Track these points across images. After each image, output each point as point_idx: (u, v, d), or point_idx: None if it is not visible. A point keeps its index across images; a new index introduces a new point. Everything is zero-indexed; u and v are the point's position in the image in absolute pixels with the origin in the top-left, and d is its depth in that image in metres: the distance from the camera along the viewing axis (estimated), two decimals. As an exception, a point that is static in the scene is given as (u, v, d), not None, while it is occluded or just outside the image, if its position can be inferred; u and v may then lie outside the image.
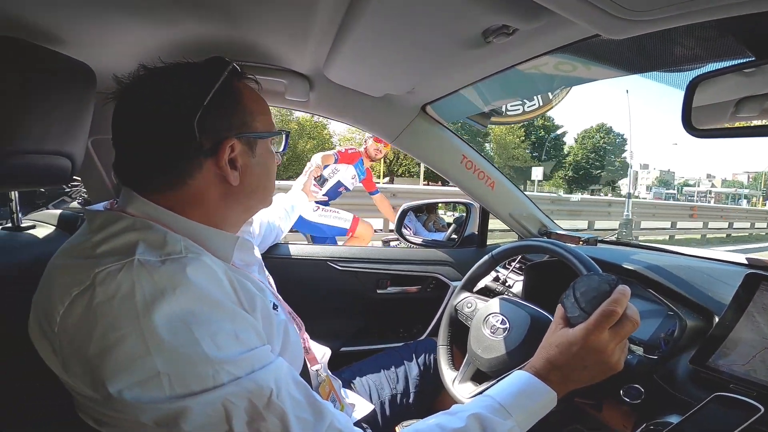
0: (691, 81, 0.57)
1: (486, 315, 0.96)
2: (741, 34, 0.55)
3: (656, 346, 0.83)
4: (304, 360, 0.74)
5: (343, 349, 1.32)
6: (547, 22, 0.59)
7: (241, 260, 0.66)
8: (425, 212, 1.90)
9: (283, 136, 0.71)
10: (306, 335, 0.81)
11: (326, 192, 3.12)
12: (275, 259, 1.29)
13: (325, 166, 3.01)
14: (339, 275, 1.35)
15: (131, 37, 0.72)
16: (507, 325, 0.91)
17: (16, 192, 0.81)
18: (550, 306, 0.94)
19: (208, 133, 0.57)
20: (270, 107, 0.69)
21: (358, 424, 0.87)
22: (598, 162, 40.27)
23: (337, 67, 0.86)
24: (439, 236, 1.76)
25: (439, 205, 1.82)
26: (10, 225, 0.79)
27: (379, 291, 1.39)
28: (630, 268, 1.00)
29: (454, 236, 1.62)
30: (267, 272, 0.81)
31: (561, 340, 0.62)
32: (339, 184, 3.19)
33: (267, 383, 0.48)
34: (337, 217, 3.02)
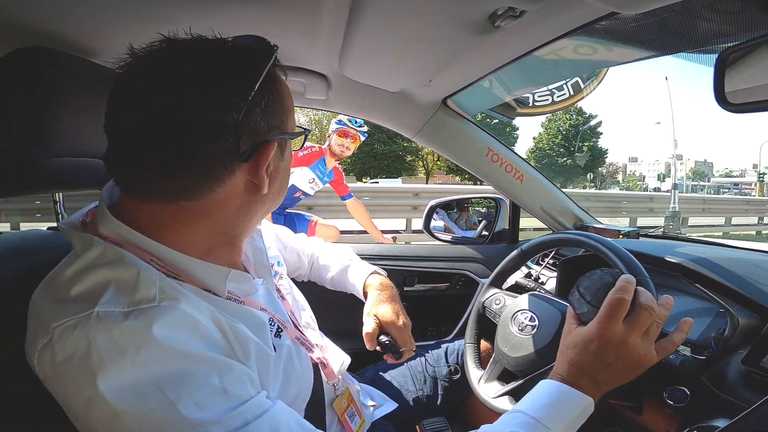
0: (720, 55, 0.52)
1: (514, 312, 0.92)
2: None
3: (705, 346, 0.76)
4: (320, 378, 0.71)
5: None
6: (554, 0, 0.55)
7: (238, 290, 0.56)
8: (456, 209, 1.86)
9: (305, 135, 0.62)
10: (323, 349, 0.77)
11: None
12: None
13: None
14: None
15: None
16: (536, 323, 0.87)
17: (61, 194, 0.87)
18: None
19: (250, 133, 0.48)
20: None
21: (379, 421, 0.86)
22: (563, 149, 34.65)
23: (351, 64, 0.87)
24: (471, 234, 1.71)
25: (471, 201, 1.78)
26: (55, 225, 0.85)
27: (406, 288, 1.38)
28: (674, 261, 0.92)
29: (485, 233, 1.58)
30: (290, 286, 0.75)
31: (576, 339, 0.58)
32: (293, 188, 2.72)
33: None
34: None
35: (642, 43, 0.68)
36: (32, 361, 0.43)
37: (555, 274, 1.17)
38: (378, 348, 0.81)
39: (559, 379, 0.57)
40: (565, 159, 34.24)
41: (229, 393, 0.43)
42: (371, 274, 0.93)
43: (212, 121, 0.45)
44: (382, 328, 0.82)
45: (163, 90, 0.45)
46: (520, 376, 0.86)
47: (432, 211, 1.57)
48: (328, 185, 2.88)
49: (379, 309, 0.84)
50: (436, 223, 1.67)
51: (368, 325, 0.80)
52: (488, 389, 0.89)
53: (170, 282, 0.46)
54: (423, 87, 1.00)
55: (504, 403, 0.83)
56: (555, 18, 0.62)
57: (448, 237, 1.62)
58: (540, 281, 1.22)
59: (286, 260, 0.93)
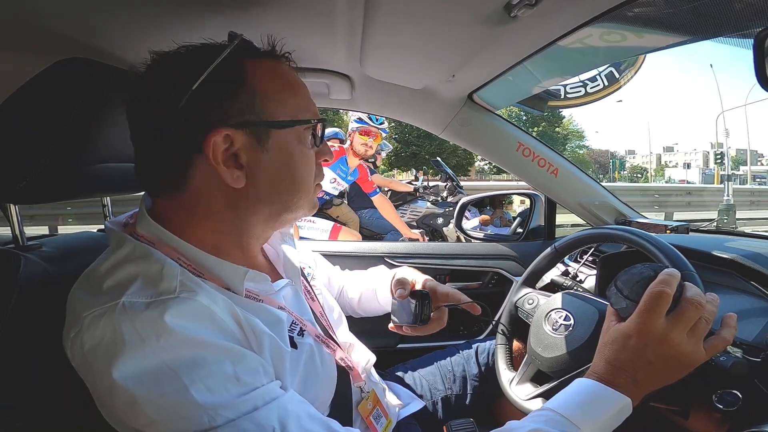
0: (756, 36, 0.48)
1: (548, 311, 0.88)
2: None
3: (762, 348, 0.69)
4: (347, 379, 0.71)
5: (400, 345, 1.32)
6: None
7: (257, 289, 0.57)
8: (490, 207, 1.82)
9: (319, 126, 0.58)
10: (350, 349, 0.78)
11: None
12: (330, 256, 1.33)
13: None
14: None
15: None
16: (571, 322, 0.83)
17: (109, 198, 0.95)
18: None
19: (198, 121, 0.49)
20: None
21: (405, 420, 0.86)
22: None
23: (372, 63, 0.87)
24: (505, 231, 1.67)
25: (505, 197, 1.73)
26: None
27: (437, 287, 1.37)
28: (726, 257, 0.85)
29: (519, 230, 1.53)
30: (310, 287, 0.74)
31: (615, 336, 0.55)
32: None
33: (269, 422, 0.45)
34: (313, 228, 2.65)
35: (673, 27, 0.63)
36: (67, 350, 0.47)
37: (594, 271, 1.12)
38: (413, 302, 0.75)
39: (596, 377, 0.54)
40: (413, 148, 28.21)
41: (241, 380, 0.45)
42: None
43: (160, 113, 0.50)
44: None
45: (138, 96, 0.53)
46: (554, 378, 0.83)
47: (464, 208, 1.55)
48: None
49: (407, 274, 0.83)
50: (468, 220, 1.64)
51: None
52: (520, 391, 0.86)
53: (192, 277, 0.49)
54: (446, 83, 0.98)
55: (536, 406, 0.80)
56: (575, 5, 0.59)
57: (480, 234, 1.59)
58: (578, 279, 1.17)
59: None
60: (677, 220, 1.22)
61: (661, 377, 0.53)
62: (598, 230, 0.93)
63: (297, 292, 0.67)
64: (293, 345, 0.57)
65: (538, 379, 0.87)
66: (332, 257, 1.32)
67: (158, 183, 0.54)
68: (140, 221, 0.54)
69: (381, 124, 2.64)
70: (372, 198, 2.90)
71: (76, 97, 0.60)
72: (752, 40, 0.48)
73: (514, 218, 1.69)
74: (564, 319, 0.84)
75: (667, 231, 1.18)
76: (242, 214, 0.55)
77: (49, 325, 0.53)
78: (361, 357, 0.83)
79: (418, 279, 0.84)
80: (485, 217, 2.31)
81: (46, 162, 0.58)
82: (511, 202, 1.68)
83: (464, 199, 1.55)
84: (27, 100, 0.60)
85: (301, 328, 0.61)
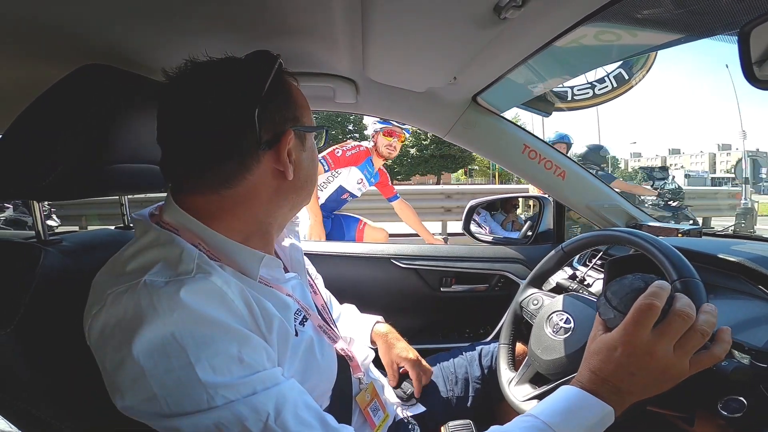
0: (741, 30, 0.47)
1: (550, 313, 0.88)
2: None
3: None
4: (347, 370, 0.74)
5: (404, 346, 1.32)
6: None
7: (270, 276, 0.63)
8: (501, 210, 1.81)
9: (324, 132, 0.71)
10: (350, 343, 0.81)
11: (324, 202, 2.57)
12: (337, 256, 1.35)
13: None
14: (401, 273, 1.36)
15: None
16: (571, 325, 0.83)
17: (126, 197, 1.00)
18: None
19: (268, 124, 0.57)
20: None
21: (406, 420, 0.87)
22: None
23: (374, 66, 0.89)
24: (514, 234, 1.66)
25: (514, 201, 1.72)
26: (122, 225, 0.97)
27: (443, 289, 1.37)
28: (732, 260, 0.83)
29: (529, 233, 1.52)
30: (313, 282, 0.80)
31: (600, 346, 0.55)
32: (341, 190, 2.62)
33: (264, 407, 0.47)
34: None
35: (666, 25, 0.63)
36: (86, 328, 0.50)
37: (602, 275, 1.10)
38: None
39: (579, 385, 0.55)
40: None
41: (244, 362, 0.48)
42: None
43: (237, 119, 0.55)
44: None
45: (197, 102, 0.56)
46: (552, 380, 0.82)
47: (472, 211, 1.55)
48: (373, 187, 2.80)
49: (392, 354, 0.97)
50: (477, 223, 1.64)
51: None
52: (518, 392, 0.86)
53: (208, 260, 0.53)
54: (449, 85, 0.99)
55: (530, 407, 0.80)
56: (564, 5, 0.60)
57: (489, 237, 1.58)
58: (586, 283, 1.15)
59: None
60: (690, 224, 1.19)
61: (645, 388, 0.53)
62: (605, 232, 0.92)
63: (302, 285, 0.71)
64: (295, 333, 0.60)
65: (536, 380, 0.86)
66: (340, 258, 1.36)
67: (208, 182, 0.57)
68: (167, 210, 0.59)
69: (404, 124, 2.52)
70: (392, 203, 2.84)
71: (97, 101, 0.64)
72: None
73: (524, 221, 1.68)
74: (564, 322, 0.84)
75: (679, 234, 1.15)
76: (281, 202, 0.63)
77: (64, 315, 0.56)
78: (360, 352, 0.85)
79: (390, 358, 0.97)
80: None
81: (68, 161, 0.61)
82: (522, 204, 1.67)
83: (473, 202, 1.55)
84: (51, 103, 0.63)
85: (304, 316, 0.64)
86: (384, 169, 2.79)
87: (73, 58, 0.71)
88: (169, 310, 0.46)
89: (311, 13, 0.67)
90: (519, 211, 1.80)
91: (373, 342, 0.99)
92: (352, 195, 2.71)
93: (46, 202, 0.78)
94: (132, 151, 0.71)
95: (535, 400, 0.81)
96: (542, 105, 1.24)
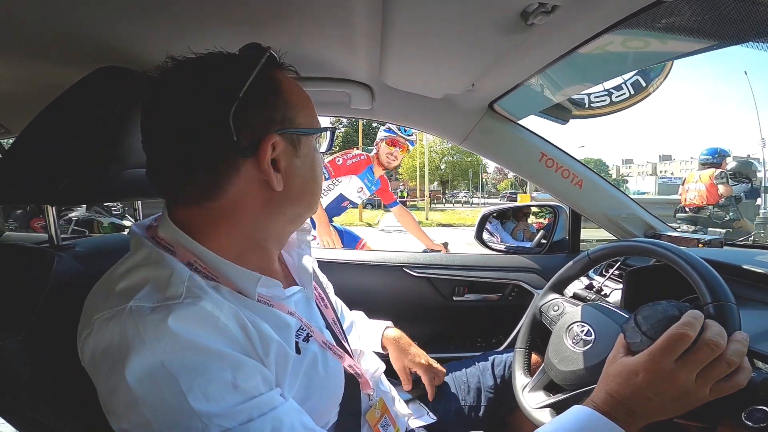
0: None
1: (570, 323, 0.86)
2: None
3: None
4: (356, 387, 0.71)
5: (417, 356, 1.30)
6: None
7: (270, 293, 0.58)
8: (512, 219, 1.79)
9: (327, 134, 0.63)
10: (360, 356, 0.79)
11: (324, 209, 2.52)
12: (349, 264, 1.34)
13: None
14: (414, 281, 1.34)
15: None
16: (592, 337, 0.81)
17: (140, 202, 1.00)
18: None
19: (246, 128, 0.50)
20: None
21: (417, 430, 0.85)
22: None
23: (391, 72, 0.89)
24: (528, 244, 1.64)
25: (527, 209, 1.70)
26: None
27: (455, 298, 1.35)
28: (759, 271, 0.80)
29: (543, 242, 1.50)
30: (324, 295, 0.76)
31: (620, 369, 0.54)
32: (341, 198, 2.61)
33: None
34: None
35: (697, 33, 0.61)
36: (79, 350, 0.48)
37: (620, 285, 1.08)
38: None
39: (593, 406, 0.53)
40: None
41: (239, 388, 0.45)
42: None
43: (208, 121, 0.50)
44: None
45: (168, 103, 0.51)
46: (567, 390, 0.80)
47: (484, 220, 1.53)
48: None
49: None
50: (489, 232, 1.62)
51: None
52: (531, 399, 0.84)
53: (199, 282, 0.49)
54: (467, 92, 0.98)
55: (544, 416, 0.78)
56: (593, 12, 0.59)
57: (501, 246, 1.56)
58: (603, 293, 1.13)
59: None
60: (711, 234, 1.16)
61: (659, 412, 0.52)
62: (636, 243, 0.89)
63: (308, 299, 0.68)
64: (297, 351, 0.57)
65: (551, 388, 0.85)
66: (353, 266, 1.34)
67: (188, 193, 0.53)
68: (162, 225, 0.55)
69: (410, 135, 2.59)
70: (392, 209, 2.85)
71: (112, 105, 0.63)
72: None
73: (538, 230, 1.66)
74: (585, 334, 0.82)
75: (700, 245, 1.12)
76: (273, 215, 0.57)
77: (75, 321, 0.55)
78: (371, 365, 0.83)
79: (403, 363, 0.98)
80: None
81: (83, 166, 0.61)
82: (536, 213, 1.65)
83: (485, 211, 1.53)
84: (66, 107, 0.63)
85: (307, 333, 0.61)
86: (385, 177, 2.79)
87: (87, 61, 0.72)
88: (156, 339, 0.43)
89: (332, 18, 0.67)
90: (530, 219, 1.78)
91: (383, 347, 0.97)
92: (353, 203, 2.72)
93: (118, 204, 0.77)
94: (140, 155, 0.71)
95: (548, 409, 0.79)
96: (559, 112, 1.22)
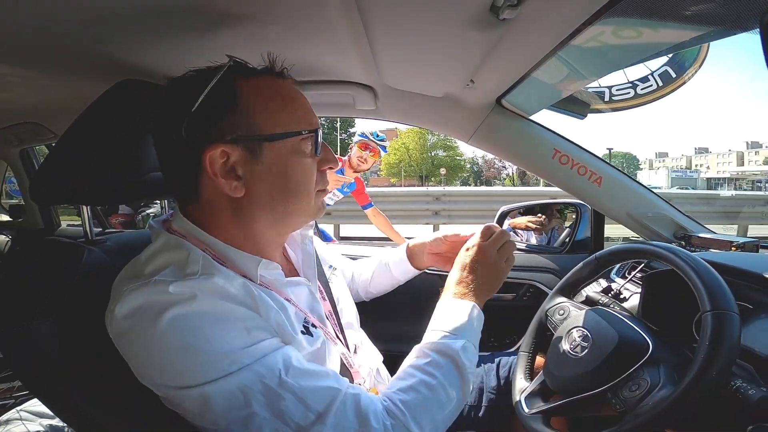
0: (762, 20, 0.41)
1: (570, 327, 0.84)
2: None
3: None
4: (348, 376, 0.73)
5: (425, 352, 1.31)
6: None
7: (271, 277, 0.64)
8: (539, 215, 1.72)
9: (311, 137, 0.61)
10: (358, 348, 0.82)
11: None
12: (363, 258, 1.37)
13: None
14: (430, 279, 1.34)
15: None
16: (588, 343, 0.78)
17: (165, 201, 1.10)
18: (666, 325, 0.78)
19: (193, 140, 0.56)
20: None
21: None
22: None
23: (389, 72, 0.90)
24: (544, 242, 1.58)
25: (547, 207, 1.63)
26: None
27: (468, 297, 1.33)
28: None
29: (567, 241, 1.43)
30: (322, 288, 0.80)
31: (461, 262, 0.80)
32: None
33: (276, 364, 0.53)
34: None
35: (694, 19, 0.56)
36: (107, 323, 0.55)
37: (640, 290, 1.02)
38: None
39: (448, 296, 0.77)
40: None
41: (252, 333, 0.54)
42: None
43: (170, 134, 0.58)
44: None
45: (156, 118, 0.61)
46: (562, 396, 0.78)
47: (503, 217, 1.49)
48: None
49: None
50: (509, 229, 1.58)
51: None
52: (527, 404, 0.83)
53: (212, 262, 0.57)
54: (469, 89, 0.97)
55: (536, 422, 0.77)
56: (568, 3, 0.56)
57: (522, 245, 1.51)
58: (621, 297, 1.07)
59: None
60: (750, 236, 1.05)
61: (490, 285, 0.78)
62: (641, 246, 0.86)
63: (312, 292, 0.72)
64: (308, 332, 0.64)
65: (549, 394, 0.83)
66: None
67: (178, 193, 0.63)
68: (175, 219, 0.64)
69: (382, 140, 2.67)
70: (366, 211, 2.95)
71: (132, 116, 0.71)
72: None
73: (565, 229, 1.59)
74: (583, 339, 0.80)
75: (733, 248, 1.02)
76: (247, 220, 0.62)
77: (101, 307, 0.61)
78: (369, 357, 0.86)
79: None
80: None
81: (108, 170, 0.69)
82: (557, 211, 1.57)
83: (504, 208, 1.49)
84: (92, 119, 0.71)
85: (312, 323, 0.66)
86: (360, 179, 2.89)
87: (107, 76, 0.79)
88: (182, 300, 0.51)
89: (316, 23, 0.69)
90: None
91: (411, 258, 1.00)
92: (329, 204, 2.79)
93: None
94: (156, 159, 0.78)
95: (540, 416, 0.78)
96: (576, 107, 1.15)
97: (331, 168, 0.68)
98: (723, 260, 0.84)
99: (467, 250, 0.79)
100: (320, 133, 0.64)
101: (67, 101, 1.05)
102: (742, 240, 1.03)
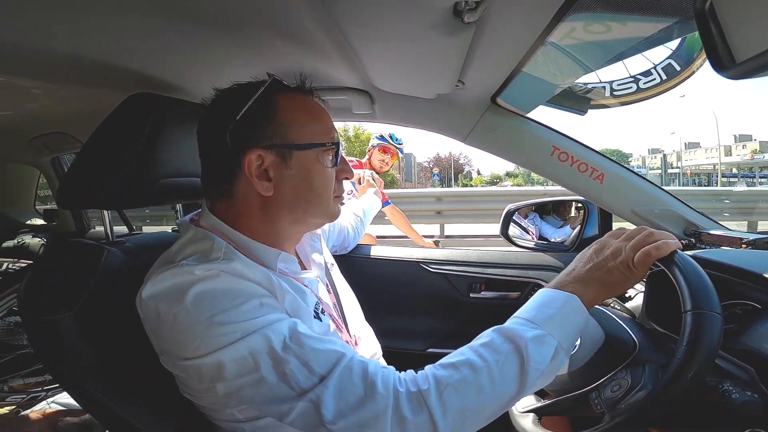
0: (695, 6, 0.39)
1: None
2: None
3: None
4: None
5: (429, 350, 1.33)
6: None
7: (288, 269, 0.71)
8: (554, 214, 1.70)
9: (333, 149, 0.70)
10: (359, 340, 0.85)
11: None
12: (367, 258, 1.40)
13: None
14: (430, 277, 1.36)
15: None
16: (578, 342, 0.78)
17: (181, 204, 1.17)
18: (670, 325, 0.77)
19: (238, 144, 0.64)
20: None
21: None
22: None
23: (379, 77, 0.92)
24: (552, 239, 1.55)
25: (555, 205, 1.61)
26: (177, 228, 1.14)
27: (472, 295, 1.34)
28: None
29: (576, 238, 1.41)
30: (330, 287, 0.86)
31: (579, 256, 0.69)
32: None
33: (281, 331, 0.57)
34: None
35: (665, 9, 0.55)
36: (138, 305, 0.60)
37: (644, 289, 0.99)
38: None
39: (549, 286, 0.67)
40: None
41: (264, 306, 0.59)
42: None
43: (216, 140, 0.66)
44: None
45: (201, 125, 0.70)
46: (553, 396, 0.79)
47: (510, 215, 1.48)
48: None
49: None
50: (520, 227, 1.57)
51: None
52: (519, 402, 0.83)
53: (234, 250, 0.64)
54: (461, 90, 0.98)
55: (526, 420, 0.77)
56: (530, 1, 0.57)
57: (530, 243, 1.50)
58: (626, 295, 1.05)
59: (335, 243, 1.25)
60: (760, 232, 1.00)
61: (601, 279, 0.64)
62: None
63: (321, 284, 0.80)
64: (318, 318, 0.69)
65: (542, 393, 0.83)
66: (372, 261, 1.41)
67: (215, 191, 0.71)
68: (203, 216, 0.71)
69: (400, 144, 2.80)
70: (383, 209, 2.93)
71: (145, 126, 0.76)
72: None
73: (574, 227, 1.56)
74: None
75: (743, 245, 0.97)
76: (272, 216, 0.70)
77: (119, 303, 0.67)
78: (369, 348, 0.90)
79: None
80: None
81: (125, 178, 0.75)
82: (564, 209, 1.55)
83: (510, 206, 1.48)
84: (107, 130, 0.78)
85: (322, 308, 0.73)
86: (380, 179, 2.90)
87: (120, 89, 0.86)
88: (203, 278, 0.57)
89: (301, 35, 0.73)
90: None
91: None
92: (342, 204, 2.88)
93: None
94: (176, 166, 0.83)
95: (531, 414, 0.78)
96: (575, 103, 1.12)
97: (347, 178, 0.75)
98: (732, 260, 0.81)
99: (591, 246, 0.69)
100: (342, 146, 0.73)
101: (90, 111, 1.15)
102: (753, 237, 0.98)
